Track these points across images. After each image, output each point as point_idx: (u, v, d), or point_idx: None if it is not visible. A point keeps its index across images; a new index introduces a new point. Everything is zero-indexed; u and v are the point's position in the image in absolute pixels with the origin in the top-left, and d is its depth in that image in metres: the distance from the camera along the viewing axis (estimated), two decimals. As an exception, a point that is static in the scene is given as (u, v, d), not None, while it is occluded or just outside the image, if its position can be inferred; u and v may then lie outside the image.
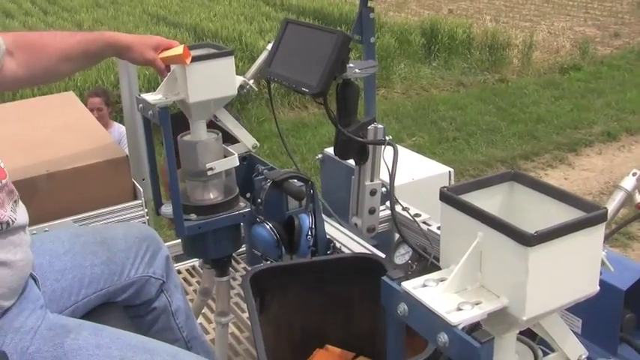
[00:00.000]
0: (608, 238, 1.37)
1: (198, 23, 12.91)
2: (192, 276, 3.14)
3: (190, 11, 14.47)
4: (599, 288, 1.32)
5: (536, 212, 1.35)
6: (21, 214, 1.69)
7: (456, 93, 10.92)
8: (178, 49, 2.06)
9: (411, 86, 11.03)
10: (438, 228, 2.30)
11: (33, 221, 1.77)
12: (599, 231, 1.26)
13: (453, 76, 11.51)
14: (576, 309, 1.33)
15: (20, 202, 1.71)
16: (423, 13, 16.55)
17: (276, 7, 15.43)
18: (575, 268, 1.26)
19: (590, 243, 1.26)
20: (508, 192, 1.42)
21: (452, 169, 3.29)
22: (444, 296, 1.26)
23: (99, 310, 1.95)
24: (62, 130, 2.69)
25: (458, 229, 1.31)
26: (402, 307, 1.30)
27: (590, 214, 1.25)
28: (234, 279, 2.85)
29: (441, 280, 1.31)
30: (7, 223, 1.59)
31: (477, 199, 1.33)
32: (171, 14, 14.43)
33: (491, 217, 1.24)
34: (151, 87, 8.26)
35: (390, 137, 2.30)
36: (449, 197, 1.32)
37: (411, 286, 1.29)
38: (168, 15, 14.39)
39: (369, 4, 3.38)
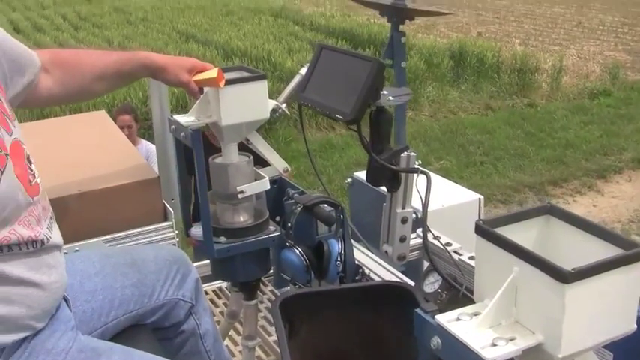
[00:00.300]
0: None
1: (228, 42, 12.98)
2: (219, 297, 3.14)
3: (220, 30, 14.56)
4: (636, 326, 1.30)
5: (573, 247, 1.34)
6: (56, 234, 1.69)
7: (484, 117, 10.87)
8: (212, 72, 2.06)
9: (439, 109, 11.00)
10: (470, 258, 2.28)
11: (64, 240, 1.77)
12: (638, 269, 1.24)
13: (482, 100, 11.47)
14: (608, 343, 1.31)
15: (54, 222, 1.72)
16: (452, 35, 16.54)
17: (304, 27, 15.50)
18: (612, 306, 1.25)
19: (628, 281, 1.25)
20: (544, 226, 1.41)
21: (482, 197, 3.27)
22: (478, 331, 1.25)
23: (128, 332, 1.95)
24: (94, 150, 2.70)
25: (493, 263, 1.30)
26: (436, 341, 1.29)
27: (629, 252, 1.24)
28: (262, 302, 2.84)
29: (475, 314, 1.30)
30: (42, 242, 1.59)
31: (513, 232, 1.32)
32: (201, 32, 14.53)
33: (527, 252, 1.23)
34: (179, 105, 8.31)
35: (420, 162, 2.29)
36: (484, 231, 1.32)
37: (445, 319, 1.29)
38: (197, 33, 14.50)
39: (401, 28, 3.38)
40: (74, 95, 2.17)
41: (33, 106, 2.04)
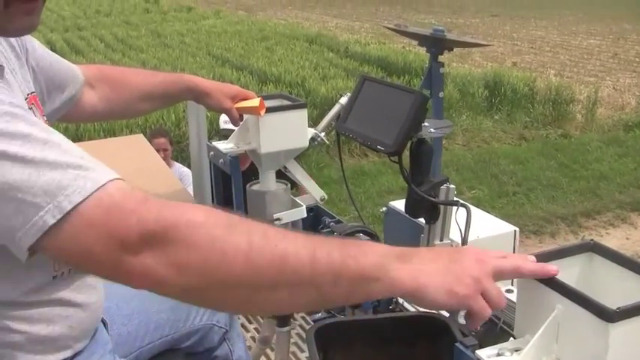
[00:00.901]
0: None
1: (262, 67, 13.06)
2: (250, 322, 3.15)
3: (254, 54, 14.66)
4: (679, 367, 1.28)
5: (616, 286, 1.33)
6: None
7: (517, 147, 10.82)
8: (255, 102, 2.08)
9: (473, 138, 10.97)
10: (507, 291, 2.26)
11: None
12: (683, 309, 1.23)
13: (515, 130, 11.43)
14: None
15: None
16: (487, 65, 16.53)
17: (339, 54, 15.55)
18: (656, 347, 1.23)
19: (673, 321, 1.23)
20: (587, 263, 1.39)
21: (517, 228, 3.24)
22: (519, 368, 1.24)
23: (162, 357, 1.95)
24: (132, 173, 2.70)
25: (535, 300, 1.29)
26: (475, 376, 1.28)
27: (674, 292, 1.22)
28: (293, 329, 2.84)
29: (516, 350, 1.29)
30: None
31: (555, 269, 1.31)
32: (236, 57, 14.63)
33: (571, 290, 1.22)
34: (214, 128, 8.36)
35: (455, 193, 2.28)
36: (527, 267, 1.31)
37: (486, 354, 1.28)
38: (232, 57, 14.60)
39: (440, 58, 3.38)
40: (117, 113, 2.19)
41: (74, 120, 2.07)
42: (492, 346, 1.29)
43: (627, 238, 7.59)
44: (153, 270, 1.13)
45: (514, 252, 2.69)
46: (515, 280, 1.33)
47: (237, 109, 2.12)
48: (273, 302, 1.19)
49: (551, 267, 1.28)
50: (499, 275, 1.26)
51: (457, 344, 1.32)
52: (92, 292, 1.61)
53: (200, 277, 1.13)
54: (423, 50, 3.52)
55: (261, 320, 2.96)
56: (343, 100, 2.36)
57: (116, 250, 1.13)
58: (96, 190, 1.15)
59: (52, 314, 1.48)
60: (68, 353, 1.54)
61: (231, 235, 1.15)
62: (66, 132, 7.98)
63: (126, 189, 1.19)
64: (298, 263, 1.15)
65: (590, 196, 8.68)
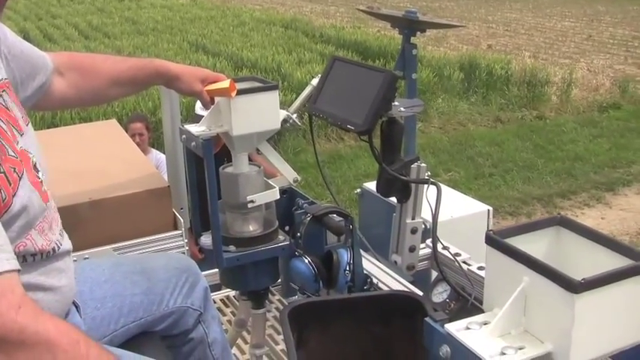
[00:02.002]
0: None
1: (238, 52, 13.00)
2: (227, 306, 3.14)
3: (230, 40, 14.58)
4: (645, 337, 1.30)
5: (583, 258, 1.34)
6: (66, 240, 1.70)
7: (493, 129, 10.86)
8: (225, 83, 2.07)
9: (449, 121, 11.00)
10: (479, 268, 2.28)
11: (74, 248, 1.78)
12: (647, 279, 1.25)
13: (491, 112, 11.46)
14: (618, 355, 1.31)
15: (62, 228, 1.73)
16: (462, 48, 16.54)
17: (315, 38, 15.51)
18: (622, 316, 1.25)
19: (637, 291, 1.25)
20: (554, 237, 1.41)
21: (491, 208, 3.27)
22: (487, 340, 1.25)
23: (137, 340, 1.95)
24: (105, 158, 2.71)
25: (503, 273, 1.30)
26: (445, 349, 1.29)
27: (638, 263, 1.24)
28: (269, 311, 2.84)
29: (485, 324, 1.30)
30: (54, 249, 1.60)
31: (523, 243, 1.33)
32: (211, 43, 14.56)
33: (537, 262, 1.23)
34: (190, 114, 8.33)
35: (429, 173, 2.29)
36: (495, 241, 1.32)
37: (455, 328, 1.29)
38: (208, 44, 14.52)
39: (412, 40, 3.38)
40: (88, 99, 2.18)
41: (46, 109, 2.06)
42: (461, 320, 1.31)
43: (602, 218, 7.65)
44: None
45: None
46: (484, 256, 1.34)
47: (208, 91, 2.12)
48: None
49: None
50: None
51: (427, 319, 1.33)
52: (62, 276, 1.61)
53: None
54: (398, 34, 3.52)
55: (236, 303, 2.96)
56: (315, 81, 2.36)
57: None
58: None
59: None
60: (39, 336, 1.54)
61: None
62: (42, 120, 7.94)
63: (6, 287, 1.26)
64: None
65: (566, 177, 8.74)
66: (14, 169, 1.47)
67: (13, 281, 1.26)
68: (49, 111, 1.99)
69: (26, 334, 1.24)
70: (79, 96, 2.09)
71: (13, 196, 1.43)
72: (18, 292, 1.27)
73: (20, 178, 1.47)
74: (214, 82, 2.12)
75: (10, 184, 1.43)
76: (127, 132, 4.02)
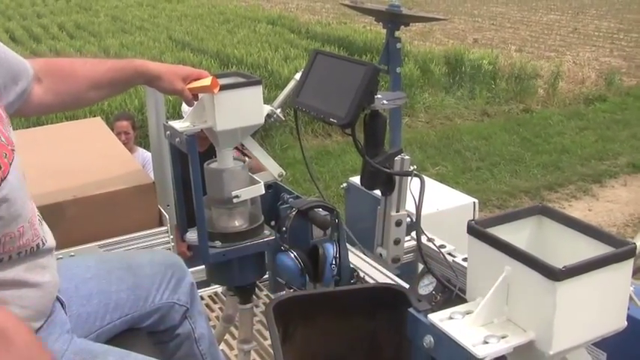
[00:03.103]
0: (636, 273, 1.37)
1: (223, 50, 12.99)
2: (215, 302, 3.14)
3: (215, 38, 14.57)
4: (626, 323, 1.31)
5: (564, 246, 1.35)
6: (49, 237, 1.70)
7: (480, 123, 10.90)
8: (206, 81, 2.07)
9: (435, 115, 11.02)
10: (464, 260, 2.29)
11: (59, 246, 1.78)
12: (628, 267, 1.25)
13: (478, 106, 11.50)
14: (601, 343, 1.32)
15: (45, 225, 1.72)
16: (448, 42, 16.58)
17: (301, 34, 15.52)
18: (603, 303, 1.26)
19: (619, 278, 1.26)
20: (536, 226, 1.41)
21: (476, 200, 3.28)
22: (470, 329, 1.26)
23: (123, 336, 1.95)
24: (90, 156, 2.70)
25: (485, 263, 1.31)
26: (428, 339, 1.30)
27: (619, 250, 1.24)
28: (257, 306, 2.85)
29: (468, 313, 1.30)
30: (38, 245, 1.60)
31: (505, 232, 1.33)
32: (197, 40, 14.54)
33: (519, 251, 1.24)
34: (175, 113, 8.32)
35: (415, 167, 2.30)
36: (477, 231, 1.32)
37: (438, 318, 1.29)
38: (193, 41, 14.50)
39: (396, 34, 3.38)
40: (68, 104, 2.16)
41: (26, 115, 2.03)
42: (444, 310, 1.31)
43: (589, 210, 7.69)
44: None
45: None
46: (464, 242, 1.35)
47: (190, 89, 2.11)
48: None
49: None
50: None
51: (410, 309, 1.33)
52: (45, 273, 1.61)
53: None
54: (383, 29, 3.51)
55: (224, 298, 2.96)
56: (298, 75, 2.37)
57: None
58: None
59: (3, 295, 1.48)
60: (23, 334, 1.54)
61: None
62: (27, 119, 7.88)
63: None
64: None
65: (553, 170, 8.78)
66: (5, 154, 1.47)
67: None
68: (30, 117, 1.99)
69: None
70: (60, 100, 2.06)
71: (3, 180, 1.44)
72: None
73: (10, 165, 1.47)
74: (197, 79, 2.12)
75: (1, 168, 1.44)
76: (113, 130, 4.02)
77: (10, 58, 1.84)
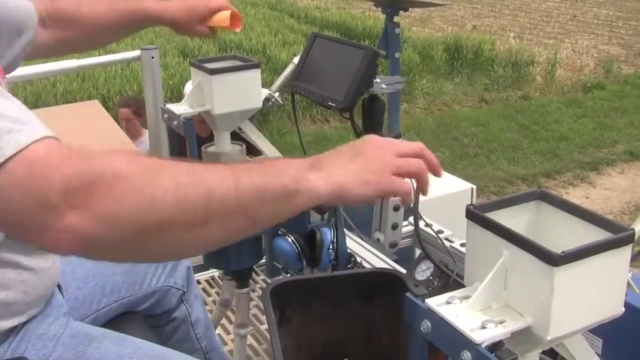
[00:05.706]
0: (634, 260, 1.36)
1: (222, 34, 12.94)
2: (212, 287, 3.14)
3: (214, 22, 14.51)
4: (624, 309, 1.31)
5: (563, 232, 1.34)
6: None
7: (478, 109, 10.89)
8: (226, 17, 2.03)
9: (434, 101, 11.01)
10: (461, 245, 2.29)
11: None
12: (626, 252, 1.25)
13: (476, 93, 11.49)
14: (597, 329, 1.32)
15: None
16: (447, 28, 16.54)
17: (300, 19, 15.47)
18: (600, 289, 1.25)
19: (617, 264, 1.25)
20: (535, 211, 1.41)
21: (474, 186, 3.28)
22: (468, 314, 1.25)
23: (119, 319, 1.95)
24: (87, 140, 2.69)
25: (483, 247, 1.30)
26: (426, 324, 1.29)
27: (617, 236, 1.24)
28: (254, 291, 2.85)
29: (465, 298, 1.30)
30: None
31: (503, 217, 1.33)
32: (196, 25, 14.47)
33: (517, 235, 1.23)
34: (174, 96, 8.30)
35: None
36: (475, 215, 1.32)
37: (435, 303, 1.29)
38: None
39: (395, 19, 3.38)
40: (76, 48, 2.11)
41: (31, 58, 1.95)
42: (442, 295, 1.31)
43: (587, 197, 7.69)
44: (81, 229, 1.05)
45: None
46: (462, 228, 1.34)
47: (210, 26, 2.07)
48: (206, 238, 1.16)
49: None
50: (402, 154, 1.31)
51: (407, 294, 1.33)
52: (47, 257, 1.60)
53: (132, 226, 1.08)
54: (382, 15, 3.51)
55: (220, 282, 2.96)
56: (296, 59, 2.36)
57: (40, 212, 1.04)
58: (25, 147, 1.07)
59: (6, 278, 1.47)
60: (23, 318, 1.54)
61: (157, 179, 1.11)
62: (25, 102, 7.84)
63: (52, 145, 1.10)
64: (224, 192, 1.14)
65: (550, 157, 8.78)
66: None
67: (53, 141, 1.12)
68: (35, 59, 1.92)
69: (86, 172, 1.08)
70: (67, 46, 1.98)
71: None
72: (63, 146, 1.13)
73: None
74: (217, 12, 2.07)
75: None
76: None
77: (13, 10, 1.72)
